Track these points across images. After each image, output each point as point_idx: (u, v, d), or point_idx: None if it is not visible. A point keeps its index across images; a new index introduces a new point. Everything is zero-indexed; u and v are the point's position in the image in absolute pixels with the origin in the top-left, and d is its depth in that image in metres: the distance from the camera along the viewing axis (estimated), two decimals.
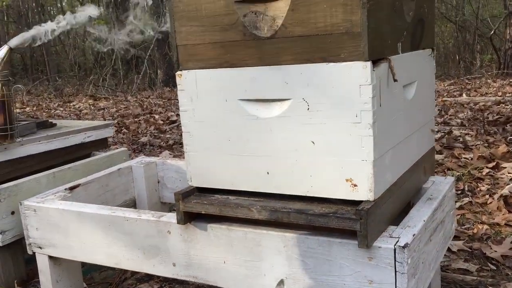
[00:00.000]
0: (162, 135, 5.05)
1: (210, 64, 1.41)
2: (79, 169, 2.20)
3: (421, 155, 1.63)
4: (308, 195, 1.32)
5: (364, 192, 1.24)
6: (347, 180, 1.26)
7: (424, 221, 1.35)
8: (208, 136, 1.44)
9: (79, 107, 8.36)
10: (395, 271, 1.21)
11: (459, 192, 2.71)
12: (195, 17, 1.40)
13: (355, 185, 1.25)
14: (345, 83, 1.22)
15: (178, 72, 1.46)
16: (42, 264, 1.84)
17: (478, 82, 7.90)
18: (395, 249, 1.21)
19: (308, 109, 1.28)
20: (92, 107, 8.22)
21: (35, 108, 8.45)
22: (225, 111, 1.40)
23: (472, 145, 3.58)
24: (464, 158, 3.21)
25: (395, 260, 1.21)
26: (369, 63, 1.19)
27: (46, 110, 8.17)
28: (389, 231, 1.30)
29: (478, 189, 2.72)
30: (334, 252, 1.28)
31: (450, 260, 2.03)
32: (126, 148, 2.48)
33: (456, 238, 2.21)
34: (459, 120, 4.56)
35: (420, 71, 1.57)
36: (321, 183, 1.30)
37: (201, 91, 1.43)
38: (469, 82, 7.87)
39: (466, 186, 2.74)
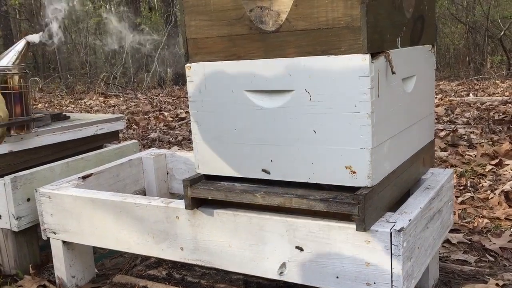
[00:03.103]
0: (171, 131, 5.13)
1: (217, 56, 1.48)
2: (91, 160, 2.28)
3: (421, 147, 1.69)
4: (310, 181, 1.39)
5: (363, 178, 1.31)
6: (346, 167, 1.33)
7: (420, 208, 1.41)
8: (215, 125, 1.51)
9: (90, 104, 8.48)
10: (391, 254, 1.28)
11: (462, 187, 2.76)
12: (204, 11, 1.47)
13: (354, 172, 1.32)
14: (345, 74, 1.29)
15: (188, 64, 1.53)
16: (56, 249, 1.93)
17: (486, 83, 7.90)
18: (391, 233, 1.27)
19: (310, 99, 1.35)
20: (103, 104, 8.33)
21: (47, 105, 8.58)
22: (231, 102, 1.47)
23: (477, 143, 3.62)
24: (468, 155, 3.25)
25: (391, 243, 1.27)
26: (367, 56, 1.26)
27: (57, 107, 8.30)
28: (386, 217, 1.36)
29: (480, 185, 2.77)
30: (333, 236, 1.35)
31: (449, 252, 2.08)
32: (136, 141, 2.56)
33: (456, 231, 2.26)
34: (465, 119, 4.60)
35: (420, 66, 1.64)
36: (322, 170, 1.36)
37: (209, 83, 1.50)
38: (477, 83, 7.88)
39: (468, 182, 2.79)
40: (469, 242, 2.15)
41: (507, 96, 5.67)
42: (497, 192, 2.58)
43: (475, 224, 2.30)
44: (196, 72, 1.52)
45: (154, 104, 7.67)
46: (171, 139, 4.70)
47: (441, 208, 1.63)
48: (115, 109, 7.57)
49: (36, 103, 8.90)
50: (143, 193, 2.36)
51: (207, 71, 1.50)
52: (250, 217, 1.47)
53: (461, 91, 6.78)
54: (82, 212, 1.82)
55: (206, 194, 1.50)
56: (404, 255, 1.28)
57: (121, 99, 8.85)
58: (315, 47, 1.32)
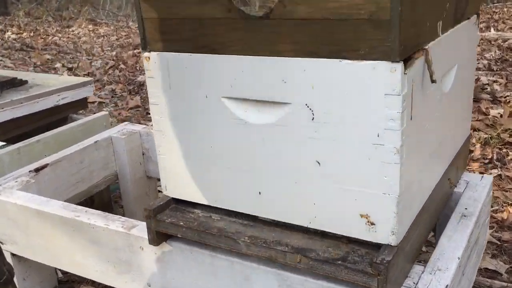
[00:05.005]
0: None
1: (185, 46, 1.06)
2: (50, 142, 1.91)
3: (456, 152, 1.31)
4: (310, 226, 1.02)
5: (385, 234, 0.94)
6: (362, 216, 0.95)
7: (458, 258, 1.06)
8: (186, 138, 1.13)
9: (78, 33, 7.92)
10: None
11: (487, 161, 2.39)
12: None
13: (373, 224, 0.94)
14: (365, 89, 0.88)
15: (145, 54, 1.12)
16: None
17: (506, 11, 7.27)
18: None
19: (312, 119, 0.95)
20: (92, 34, 7.77)
21: (32, 34, 8.02)
22: (205, 110, 1.07)
23: (501, 97, 3.20)
24: (493, 115, 2.85)
25: None
26: (399, 65, 0.84)
27: (43, 36, 7.75)
28: (413, 277, 1.01)
29: (509, 157, 2.40)
30: None
31: None
32: (106, 112, 2.16)
33: None
34: (485, 62, 4.13)
35: (462, 50, 1.21)
36: (328, 214, 0.99)
37: (175, 81, 1.09)
38: (496, 11, 7.25)
39: (495, 154, 2.42)
40: (499, 243, 1.82)
41: None
42: None
43: (505, 216, 1.96)
44: (158, 66, 1.11)
45: None
46: None
47: (478, 235, 1.27)
48: (103, 40, 7.04)
49: (21, 31, 8.34)
50: (115, 177, 2.01)
51: (172, 65, 1.09)
52: (232, 261, 1.12)
53: (480, 23, 6.20)
54: (30, 224, 1.47)
55: (175, 231, 1.14)
56: None
57: (112, 27, 8.26)
58: (321, 45, 0.90)
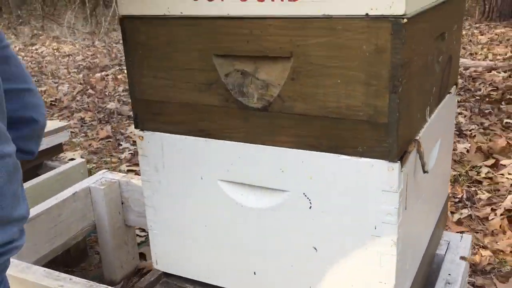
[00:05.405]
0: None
1: (180, 129, 1.07)
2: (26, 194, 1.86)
3: (438, 216, 1.36)
4: None
5: None
6: None
7: None
8: (179, 216, 1.13)
9: (42, 52, 7.75)
10: None
11: (457, 200, 2.47)
12: (161, 66, 1.04)
13: None
14: (362, 184, 0.91)
15: (139, 133, 1.12)
16: None
17: (464, 34, 7.54)
18: None
19: (310, 207, 0.97)
20: (57, 53, 7.62)
21: None
22: (200, 191, 1.08)
23: (467, 130, 3.32)
24: (460, 151, 2.95)
25: None
26: (397, 165, 0.87)
27: None
28: None
29: (478, 196, 2.49)
30: None
31: None
32: (83, 160, 2.13)
33: None
34: None
35: (445, 123, 1.27)
36: None
37: (169, 161, 1.10)
38: None
39: (464, 193, 2.51)
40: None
41: (492, 61, 5.35)
42: (498, 212, 2.30)
43: (477, 259, 2.03)
44: (151, 145, 1.11)
45: (113, 55, 7.04)
46: (131, 112, 4.23)
47: None
48: (69, 60, 6.92)
49: None
50: (93, 227, 1.98)
51: (166, 145, 1.09)
52: None
53: None
54: None
55: None
56: None
57: (77, 46, 8.13)
58: (319, 140, 0.93)
